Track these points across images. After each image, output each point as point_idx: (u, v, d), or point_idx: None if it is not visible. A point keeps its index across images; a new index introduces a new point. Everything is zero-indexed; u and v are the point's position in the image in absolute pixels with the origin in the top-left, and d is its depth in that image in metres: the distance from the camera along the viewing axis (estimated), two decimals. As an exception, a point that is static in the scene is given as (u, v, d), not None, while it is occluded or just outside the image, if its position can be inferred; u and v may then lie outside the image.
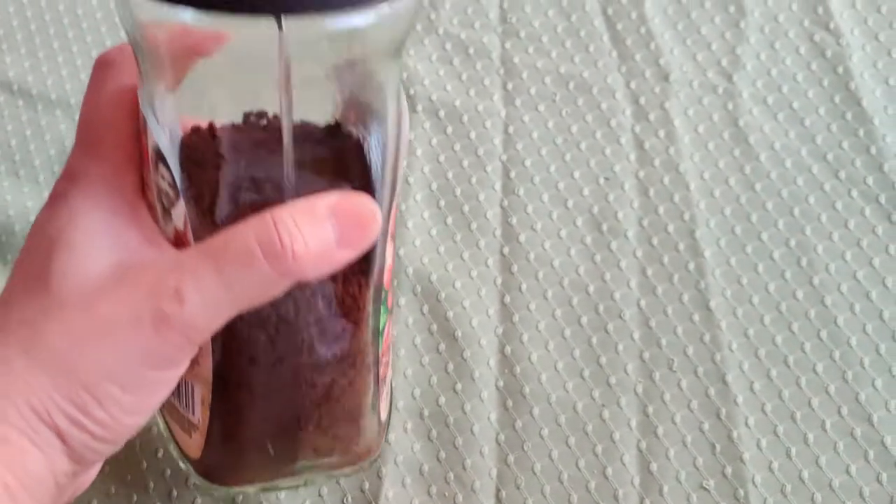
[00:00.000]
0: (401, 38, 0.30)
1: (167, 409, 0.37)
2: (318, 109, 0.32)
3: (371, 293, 0.33)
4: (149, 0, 0.27)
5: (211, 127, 0.31)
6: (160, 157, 0.30)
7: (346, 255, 0.30)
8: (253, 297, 0.29)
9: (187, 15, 0.27)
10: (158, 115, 0.30)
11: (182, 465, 0.38)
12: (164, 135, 0.30)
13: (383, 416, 0.38)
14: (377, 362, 0.35)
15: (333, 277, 0.32)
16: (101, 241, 0.31)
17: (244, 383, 0.34)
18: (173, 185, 0.31)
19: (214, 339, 0.32)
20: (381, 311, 0.34)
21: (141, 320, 0.29)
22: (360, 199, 0.30)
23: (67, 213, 0.31)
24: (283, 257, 0.29)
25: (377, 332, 0.34)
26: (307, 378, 0.33)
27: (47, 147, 0.52)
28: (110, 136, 0.32)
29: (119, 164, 0.32)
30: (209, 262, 0.29)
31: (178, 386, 0.35)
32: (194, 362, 0.33)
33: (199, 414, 0.35)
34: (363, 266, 0.32)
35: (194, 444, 0.36)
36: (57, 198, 0.32)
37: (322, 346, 0.33)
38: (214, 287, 0.29)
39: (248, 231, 0.29)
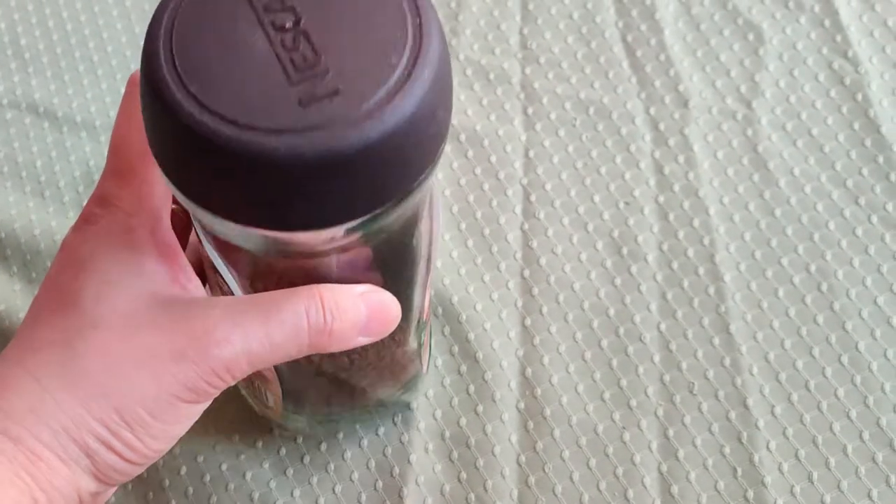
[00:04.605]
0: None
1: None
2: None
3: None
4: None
5: None
6: None
7: (363, 342, 0.33)
8: (286, 356, 0.32)
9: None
10: None
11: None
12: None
13: (425, 354, 0.41)
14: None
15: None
16: (128, 270, 0.32)
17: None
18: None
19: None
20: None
21: (185, 356, 0.31)
22: (388, 295, 0.33)
23: (95, 238, 0.33)
24: (323, 334, 0.31)
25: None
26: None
27: (72, 168, 0.53)
28: (139, 164, 0.33)
29: (146, 194, 0.33)
30: (259, 318, 0.31)
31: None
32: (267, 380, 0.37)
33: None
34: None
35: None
36: (87, 221, 0.33)
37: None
38: (259, 342, 0.31)
39: (298, 302, 0.31)
